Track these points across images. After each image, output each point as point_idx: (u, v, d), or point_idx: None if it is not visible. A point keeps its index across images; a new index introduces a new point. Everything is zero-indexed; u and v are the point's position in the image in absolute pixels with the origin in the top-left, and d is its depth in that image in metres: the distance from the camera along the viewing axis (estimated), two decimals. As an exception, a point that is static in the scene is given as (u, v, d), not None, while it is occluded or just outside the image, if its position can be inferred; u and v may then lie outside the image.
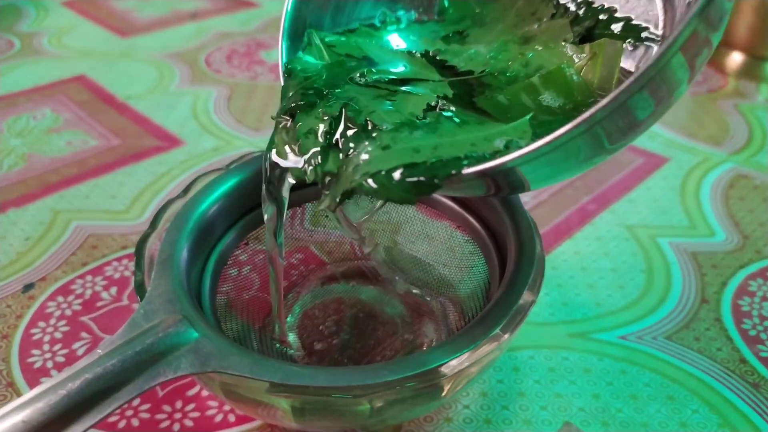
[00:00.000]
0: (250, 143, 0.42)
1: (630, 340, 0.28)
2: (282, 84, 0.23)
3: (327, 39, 0.24)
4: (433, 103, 0.21)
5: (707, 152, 0.42)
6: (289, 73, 0.23)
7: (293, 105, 0.22)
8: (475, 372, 0.20)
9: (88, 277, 0.31)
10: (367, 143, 0.19)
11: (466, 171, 0.18)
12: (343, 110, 0.21)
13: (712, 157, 0.41)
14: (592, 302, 0.30)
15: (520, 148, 0.17)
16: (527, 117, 0.20)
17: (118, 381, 0.18)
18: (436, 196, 0.27)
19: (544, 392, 0.26)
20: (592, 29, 0.23)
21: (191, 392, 0.26)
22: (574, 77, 0.21)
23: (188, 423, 0.25)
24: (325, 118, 0.21)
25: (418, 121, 0.20)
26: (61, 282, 0.31)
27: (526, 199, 0.37)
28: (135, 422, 0.25)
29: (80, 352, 0.27)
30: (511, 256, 0.22)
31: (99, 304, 0.30)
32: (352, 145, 0.20)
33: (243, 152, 0.34)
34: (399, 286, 0.28)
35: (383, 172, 0.18)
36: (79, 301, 0.30)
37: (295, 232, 0.29)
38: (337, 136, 0.21)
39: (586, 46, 0.22)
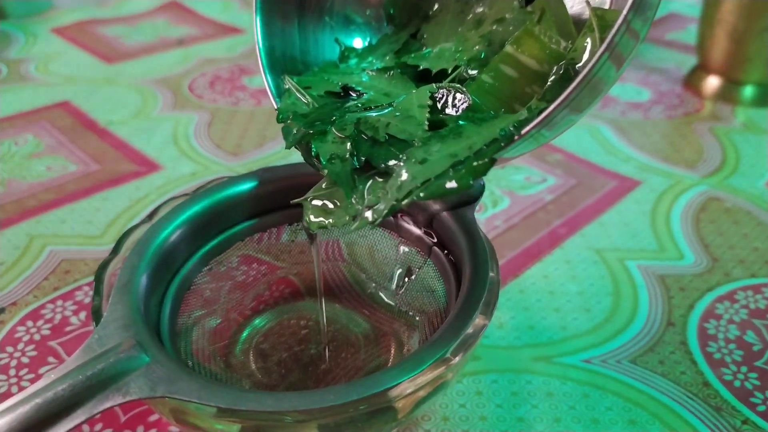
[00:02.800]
0: (227, 168, 0.43)
1: (594, 363, 0.28)
2: (280, 119, 0.24)
3: (299, 81, 0.24)
4: (435, 95, 0.22)
5: (680, 175, 0.42)
6: (283, 120, 0.24)
7: (304, 134, 0.22)
8: (425, 395, 0.20)
9: (59, 302, 0.32)
10: (401, 163, 0.20)
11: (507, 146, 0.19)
12: (359, 129, 0.22)
13: (684, 180, 0.42)
14: (558, 326, 0.30)
15: (540, 109, 0.18)
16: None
17: (68, 405, 0.19)
18: (395, 220, 0.28)
19: (506, 416, 0.26)
20: None
21: (152, 418, 0.26)
22: (541, 33, 0.22)
23: (148, 448, 0.25)
24: (345, 141, 0.22)
25: (443, 131, 0.21)
26: (31, 307, 0.31)
27: (497, 223, 0.37)
28: (95, 448, 0.25)
29: (45, 377, 0.27)
30: (466, 280, 0.23)
31: (68, 328, 0.30)
32: (386, 164, 0.21)
33: (214, 178, 0.35)
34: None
35: (432, 180, 0.20)
36: (49, 325, 0.30)
37: (262, 252, 0.29)
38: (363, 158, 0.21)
39: (532, 6, 0.23)
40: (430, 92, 0.23)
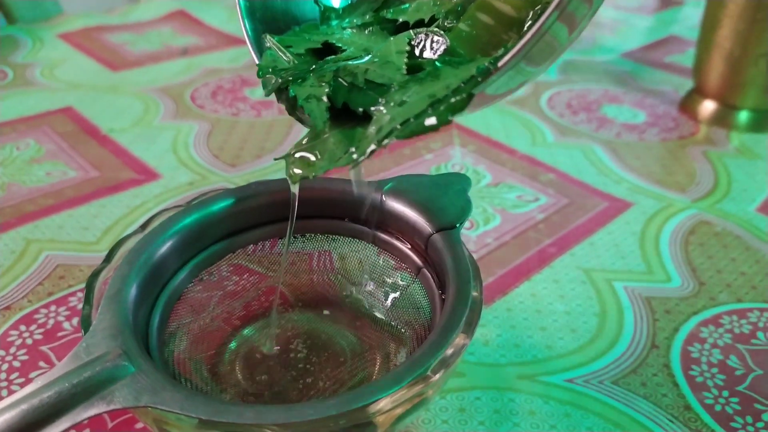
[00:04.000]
0: (225, 179, 0.43)
1: (577, 383, 0.29)
2: (260, 74, 0.24)
3: (280, 41, 0.25)
4: (412, 42, 0.23)
5: (671, 198, 0.43)
6: (263, 75, 0.24)
7: (284, 81, 0.23)
8: (405, 411, 0.21)
9: (52, 307, 0.32)
10: (381, 107, 0.21)
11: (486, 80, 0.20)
12: (338, 75, 0.22)
13: (675, 203, 0.42)
14: (543, 344, 0.31)
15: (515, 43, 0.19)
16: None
17: (53, 412, 0.19)
18: (386, 238, 0.28)
19: (487, 434, 0.26)
20: None
21: (139, 425, 0.26)
22: None
23: (133, 455, 0.25)
24: (322, 84, 0.22)
25: (421, 75, 0.22)
26: (25, 311, 0.32)
27: (488, 240, 0.38)
28: (81, 453, 0.25)
29: (36, 381, 0.28)
30: (449, 299, 0.23)
31: (60, 334, 0.31)
32: (365, 108, 0.21)
33: (211, 188, 0.36)
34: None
35: (411, 120, 0.20)
36: (41, 330, 0.31)
37: (253, 262, 0.29)
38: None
39: None
40: (408, 39, 0.23)
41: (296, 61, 0.24)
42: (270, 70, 0.24)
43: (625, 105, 0.57)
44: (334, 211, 0.29)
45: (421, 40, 0.23)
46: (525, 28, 0.22)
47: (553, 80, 0.62)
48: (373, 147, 0.20)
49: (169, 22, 0.73)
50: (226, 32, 0.70)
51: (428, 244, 0.26)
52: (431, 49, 0.23)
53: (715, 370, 0.30)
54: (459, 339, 0.22)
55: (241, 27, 0.25)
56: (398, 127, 0.20)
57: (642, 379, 0.29)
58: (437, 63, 0.22)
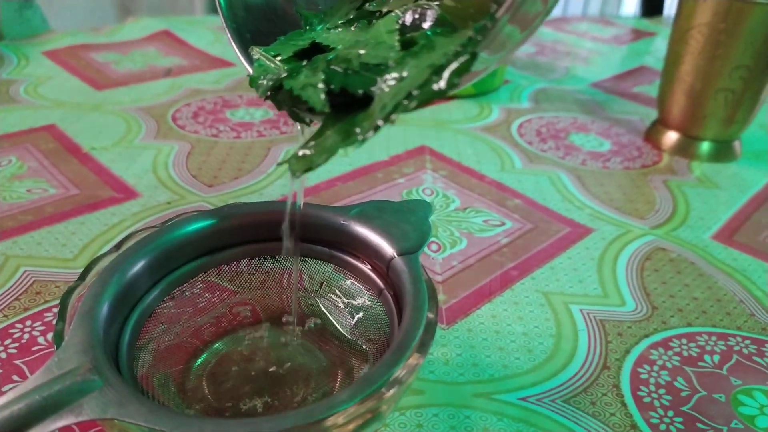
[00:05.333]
0: (202, 198, 0.44)
1: (530, 401, 0.30)
2: (252, 83, 0.24)
3: (266, 50, 0.26)
4: (401, 21, 0.23)
5: (630, 225, 0.45)
6: (254, 81, 0.24)
7: (276, 80, 0.23)
8: (359, 426, 0.22)
9: (28, 322, 0.33)
10: (381, 85, 0.21)
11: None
12: (332, 62, 0.22)
13: (634, 230, 0.44)
14: (500, 364, 0.32)
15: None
16: None
17: (23, 423, 0.20)
18: (351, 261, 0.30)
19: (443, 449, 0.28)
20: None
21: (108, 437, 0.27)
22: None
23: (101, 467, 0.26)
24: (317, 74, 0.22)
25: (415, 48, 0.21)
26: (1, 326, 0.33)
27: (454, 263, 0.39)
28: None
29: (9, 394, 0.29)
30: (406, 319, 0.25)
31: (34, 348, 0.32)
32: (364, 90, 0.21)
33: (189, 207, 0.37)
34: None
35: (415, 92, 0.20)
36: (16, 344, 0.32)
37: (224, 281, 0.31)
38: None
39: None
40: (396, 18, 0.23)
41: (285, 66, 0.24)
42: (261, 77, 0.24)
43: (592, 133, 0.59)
44: (304, 234, 0.31)
45: (411, 17, 0.23)
46: None
47: (525, 108, 0.64)
48: (379, 123, 0.20)
49: (154, 43, 0.75)
50: (210, 54, 0.72)
51: (390, 267, 0.28)
52: (422, 21, 0.23)
53: (662, 390, 0.32)
54: (412, 359, 0.23)
55: (232, 47, 0.26)
56: (404, 102, 0.20)
57: (592, 399, 0.31)
58: (429, 34, 0.22)
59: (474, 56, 0.20)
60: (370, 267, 0.29)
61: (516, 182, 0.49)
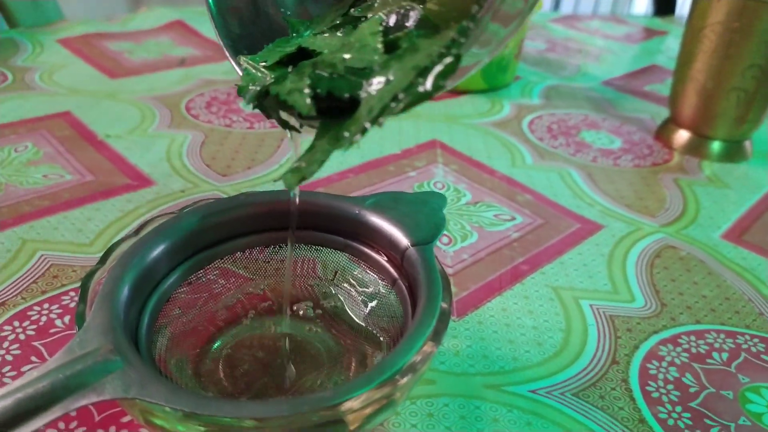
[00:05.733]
0: (216, 188, 0.45)
1: (540, 394, 0.31)
2: (240, 92, 0.25)
3: (253, 59, 0.26)
4: (384, 24, 0.23)
5: (640, 222, 0.45)
6: (242, 90, 0.25)
7: (261, 87, 0.23)
8: (373, 411, 0.22)
9: (45, 305, 0.34)
10: (369, 88, 0.21)
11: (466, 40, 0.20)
12: (317, 67, 0.22)
13: (644, 228, 0.45)
14: (510, 356, 0.33)
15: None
16: None
17: (47, 401, 0.21)
18: (366, 251, 0.30)
19: (453, 438, 0.28)
20: None
21: (125, 419, 0.28)
22: None
23: (118, 447, 0.26)
24: (303, 79, 0.22)
25: (399, 51, 0.22)
26: (19, 308, 0.33)
27: (464, 256, 0.40)
28: (68, 443, 0.26)
29: (27, 374, 0.29)
30: (420, 309, 0.25)
31: (52, 330, 0.32)
32: (351, 94, 0.21)
33: (203, 196, 0.37)
34: None
35: (401, 95, 0.20)
36: (34, 327, 0.32)
37: (240, 267, 0.31)
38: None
39: None
40: (379, 21, 0.24)
41: (273, 75, 0.25)
42: (249, 86, 0.25)
43: (603, 131, 0.59)
44: (319, 224, 0.31)
45: (395, 18, 0.24)
46: None
47: (536, 104, 0.64)
48: (367, 125, 0.20)
49: (168, 32, 0.75)
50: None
51: (404, 258, 0.28)
52: (404, 22, 0.24)
53: (670, 386, 0.32)
54: (426, 347, 0.23)
55: (230, 61, 0.27)
56: (391, 104, 0.20)
57: (601, 393, 0.31)
58: (413, 36, 0.22)
59: (458, 58, 0.20)
60: (384, 257, 0.30)
61: (526, 178, 0.50)
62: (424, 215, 0.30)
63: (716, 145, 0.56)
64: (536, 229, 0.43)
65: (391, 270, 0.29)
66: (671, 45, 0.90)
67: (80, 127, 0.52)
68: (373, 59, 0.22)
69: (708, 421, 0.30)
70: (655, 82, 0.73)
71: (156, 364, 0.25)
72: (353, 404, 0.21)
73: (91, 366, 0.21)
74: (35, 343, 0.31)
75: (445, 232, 0.42)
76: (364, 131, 0.20)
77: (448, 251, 0.40)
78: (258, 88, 0.24)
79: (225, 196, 0.39)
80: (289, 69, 0.24)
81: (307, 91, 0.22)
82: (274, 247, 0.31)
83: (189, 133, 0.52)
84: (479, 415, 0.29)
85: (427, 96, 0.20)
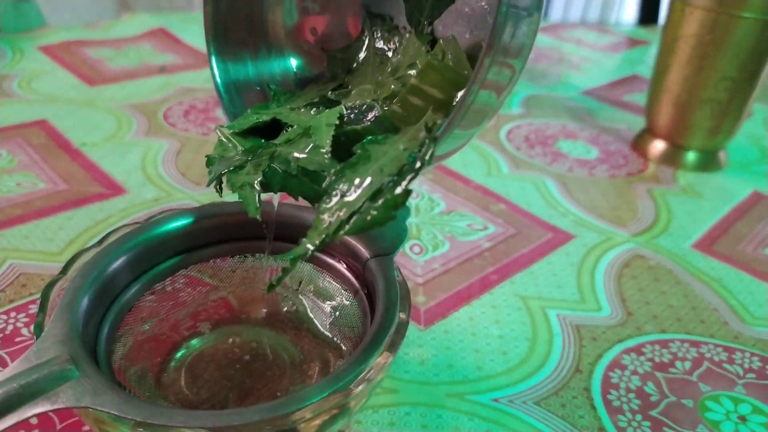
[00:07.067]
0: (189, 196, 0.45)
1: (502, 402, 0.31)
2: (208, 164, 0.27)
3: (230, 127, 0.28)
4: (345, 116, 0.25)
5: (612, 232, 0.46)
6: (210, 164, 0.27)
7: (223, 171, 0.25)
8: (326, 420, 0.23)
9: (12, 314, 0.34)
10: (330, 203, 0.23)
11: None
12: (272, 163, 0.24)
13: (615, 237, 0.45)
14: (475, 365, 0.33)
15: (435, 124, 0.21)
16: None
17: (1, 409, 0.21)
18: (329, 261, 0.30)
19: (413, 447, 0.28)
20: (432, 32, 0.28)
21: (86, 428, 0.28)
22: (440, 64, 0.25)
23: (78, 456, 0.26)
24: (257, 173, 0.24)
25: (352, 160, 0.23)
26: (-14, 316, 0.33)
27: (435, 266, 0.40)
28: (28, 453, 0.27)
29: (-10, 384, 0.29)
30: (377, 319, 0.25)
31: (17, 339, 0.32)
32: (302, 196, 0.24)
33: (174, 205, 0.37)
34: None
35: (370, 209, 0.22)
36: (0, 335, 0.32)
37: (205, 275, 0.31)
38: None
39: (437, 47, 0.27)
40: (339, 113, 0.26)
41: (243, 147, 0.27)
42: (216, 159, 0.27)
43: (580, 141, 0.60)
44: (284, 233, 0.31)
45: (353, 112, 0.26)
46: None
47: (515, 114, 0.65)
48: (322, 238, 0.23)
49: (150, 40, 0.75)
50: (204, 52, 0.72)
51: (365, 268, 0.29)
52: (362, 114, 0.26)
53: (632, 395, 0.32)
54: (382, 357, 0.24)
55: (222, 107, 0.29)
56: (341, 223, 0.22)
57: (562, 401, 0.31)
58: (366, 144, 0.23)
59: (408, 193, 0.22)
60: (347, 267, 0.30)
61: (501, 187, 0.50)
62: (387, 226, 0.30)
63: (691, 155, 0.57)
64: (508, 238, 0.43)
65: (353, 280, 0.29)
66: (653, 55, 0.91)
67: (56, 135, 0.52)
68: (324, 163, 0.24)
69: (667, 430, 0.30)
70: (635, 92, 0.74)
71: (113, 374, 0.25)
72: (305, 413, 0.22)
73: (47, 375, 0.22)
74: (0, 352, 0.31)
75: (416, 242, 0.42)
76: (321, 245, 0.23)
77: (419, 260, 0.40)
78: (217, 174, 0.26)
79: (197, 205, 0.39)
80: (249, 158, 0.26)
81: (257, 187, 0.24)
82: (240, 257, 0.31)
83: (165, 142, 0.52)
84: (441, 423, 0.30)
85: (375, 225, 0.22)
